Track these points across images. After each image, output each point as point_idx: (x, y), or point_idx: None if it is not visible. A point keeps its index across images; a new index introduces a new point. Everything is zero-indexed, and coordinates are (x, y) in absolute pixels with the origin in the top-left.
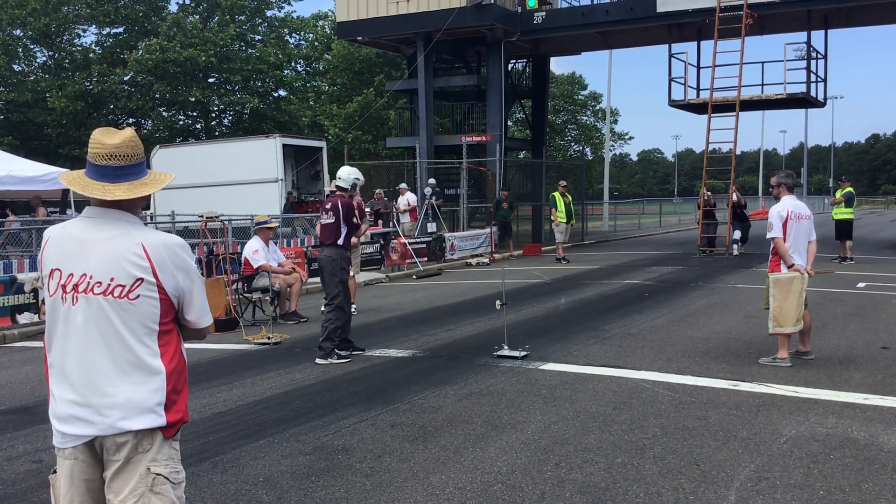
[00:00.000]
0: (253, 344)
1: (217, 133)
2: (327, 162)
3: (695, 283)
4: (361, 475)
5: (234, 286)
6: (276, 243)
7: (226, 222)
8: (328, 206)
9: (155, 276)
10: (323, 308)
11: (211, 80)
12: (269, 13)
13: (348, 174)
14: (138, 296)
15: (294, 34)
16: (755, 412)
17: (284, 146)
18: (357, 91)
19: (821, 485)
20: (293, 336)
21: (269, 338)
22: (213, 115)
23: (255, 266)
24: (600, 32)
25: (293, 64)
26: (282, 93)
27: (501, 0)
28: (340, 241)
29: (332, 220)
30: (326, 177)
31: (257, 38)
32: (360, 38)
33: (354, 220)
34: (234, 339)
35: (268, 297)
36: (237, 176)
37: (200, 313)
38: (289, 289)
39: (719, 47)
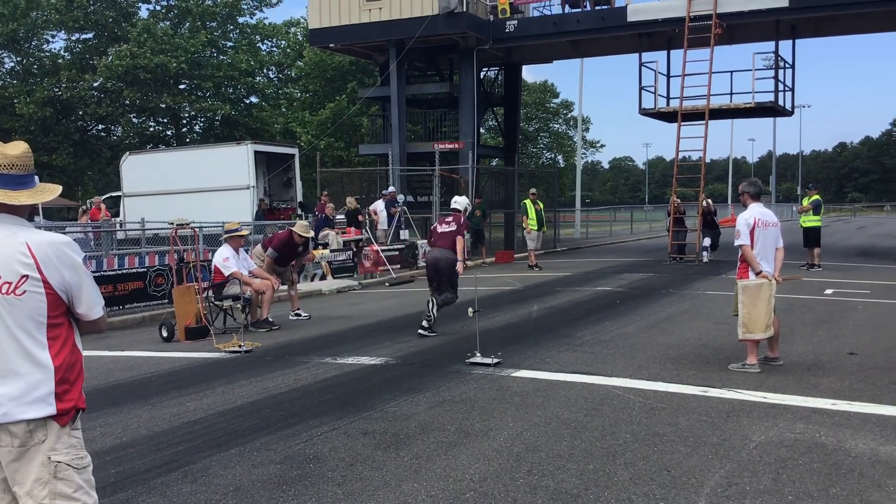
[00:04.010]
0: (224, 352)
1: (188, 140)
2: (299, 169)
3: (665, 290)
4: (333, 484)
5: (205, 294)
6: (247, 251)
7: (196, 229)
8: (450, 220)
9: (40, 272)
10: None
11: (182, 86)
12: (240, 20)
13: (465, 200)
14: (24, 291)
15: (266, 41)
16: (725, 418)
17: (256, 153)
18: (330, 98)
19: (789, 490)
20: (264, 344)
21: (240, 346)
22: (184, 121)
23: (226, 274)
24: (571, 41)
25: (265, 70)
26: (253, 99)
27: (474, 8)
28: (454, 247)
29: (453, 230)
30: (299, 184)
31: (229, 44)
32: (332, 45)
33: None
34: (205, 347)
35: (239, 305)
36: (208, 183)
37: (90, 306)
38: (260, 296)
39: (689, 56)
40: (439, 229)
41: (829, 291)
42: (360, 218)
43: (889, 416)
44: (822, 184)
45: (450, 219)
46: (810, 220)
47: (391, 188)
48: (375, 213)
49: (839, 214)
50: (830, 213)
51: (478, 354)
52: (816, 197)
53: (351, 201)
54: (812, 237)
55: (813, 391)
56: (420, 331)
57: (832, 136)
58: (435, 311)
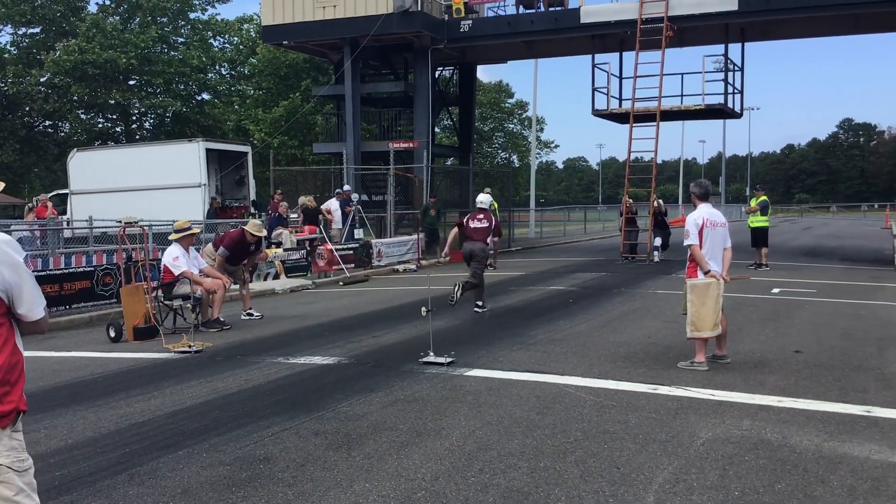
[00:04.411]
0: (173, 352)
1: (138, 136)
2: (252, 167)
3: (617, 289)
4: (283, 485)
5: (154, 293)
6: (198, 250)
7: (145, 228)
8: (482, 217)
9: None
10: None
11: (131, 82)
12: (192, 15)
13: (489, 198)
14: None
15: (218, 37)
16: (673, 415)
17: (208, 150)
18: (283, 96)
19: (736, 486)
20: (215, 344)
21: (189, 346)
22: (134, 118)
23: (175, 273)
24: (526, 42)
25: (217, 67)
26: (205, 96)
27: (428, 7)
28: (488, 240)
29: (487, 226)
30: (252, 182)
31: (180, 40)
32: (285, 43)
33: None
34: (154, 347)
35: (189, 305)
36: (158, 181)
37: (31, 307)
38: (211, 296)
39: (641, 58)
40: (472, 224)
41: (776, 290)
42: (321, 217)
43: (833, 412)
44: (770, 185)
45: (481, 216)
46: (758, 221)
47: (346, 187)
48: (329, 213)
49: (787, 215)
50: (778, 213)
51: (431, 354)
52: (764, 198)
53: (310, 200)
54: (760, 237)
55: (759, 388)
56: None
57: (780, 139)
58: (460, 292)
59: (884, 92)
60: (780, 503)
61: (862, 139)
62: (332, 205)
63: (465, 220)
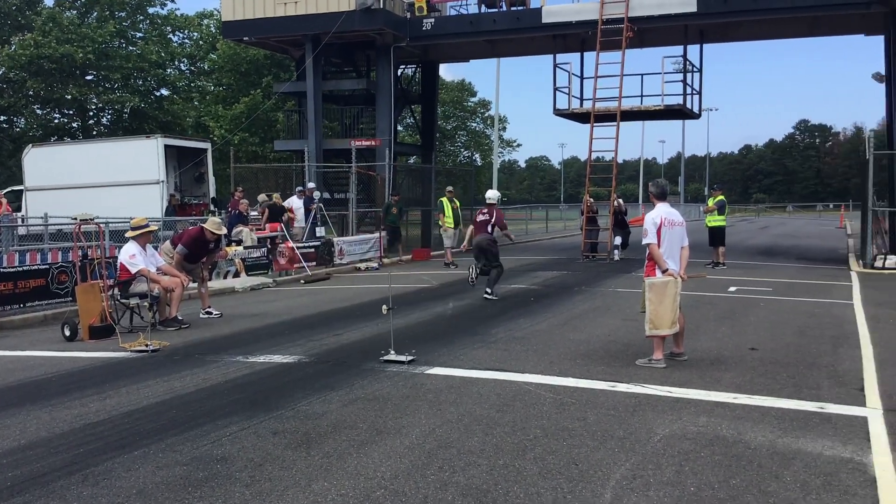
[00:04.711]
0: (130, 351)
1: (95, 132)
2: (212, 164)
3: (578, 287)
4: (241, 485)
5: (110, 292)
6: (156, 247)
7: (102, 225)
8: (485, 211)
9: None
10: (472, 277)
11: (89, 77)
12: (150, 10)
13: (496, 194)
14: None
15: (177, 32)
16: (631, 412)
17: (167, 147)
18: (244, 92)
19: (692, 482)
20: (173, 343)
21: (146, 345)
22: (91, 113)
23: (132, 271)
24: (488, 41)
25: (176, 63)
26: (164, 92)
27: (391, 5)
28: (490, 231)
29: (487, 219)
30: (212, 179)
31: (138, 35)
32: (246, 39)
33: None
34: (110, 346)
35: (146, 303)
36: (116, 177)
37: None
38: (169, 294)
39: (601, 59)
40: (478, 219)
41: (732, 289)
42: (285, 215)
43: (787, 409)
44: (728, 185)
45: (486, 210)
46: (715, 220)
47: (310, 184)
48: (292, 211)
49: (744, 214)
50: (735, 213)
51: (392, 352)
52: (721, 197)
53: (277, 197)
54: (717, 236)
55: (716, 385)
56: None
57: (738, 139)
58: (475, 274)
59: (839, 94)
60: (735, 498)
61: (818, 140)
62: (295, 203)
63: (473, 218)
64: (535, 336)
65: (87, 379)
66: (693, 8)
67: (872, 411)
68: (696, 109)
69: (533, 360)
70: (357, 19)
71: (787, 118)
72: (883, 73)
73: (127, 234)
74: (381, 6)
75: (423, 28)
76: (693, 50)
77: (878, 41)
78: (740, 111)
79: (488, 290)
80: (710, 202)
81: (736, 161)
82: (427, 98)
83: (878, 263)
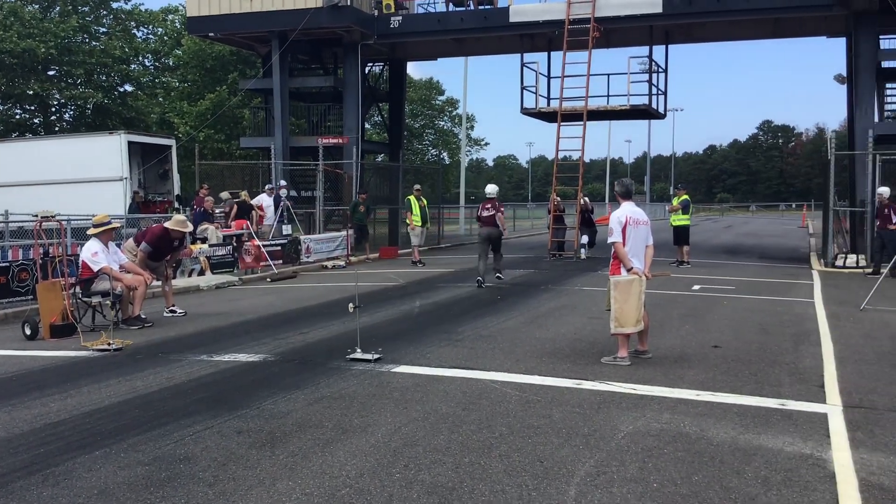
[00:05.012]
0: (91, 350)
1: (57, 128)
2: (177, 161)
3: (545, 286)
4: (204, 484)
5: (72, 290)
6: (118, 245)
7: (63, 222)
8: (489, 206)
9: None
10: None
11: (51, 72)
12: (114, 5)
13: (496, 188)
14: None
15: (142, 27)
16: (596, 409)
17: (130, 143)
18: (210, 88)
19: (655, 478)
20: (136, 342)
21: (109, 344)
22: (53, 109)
23: (94, 269)
24: (456, 39)
25: (141, 58)
26: (128, 88)
27: (359, 2)
28: (497, 224)
29: (493, 213)
30: (176, 176)
31: (102, 30)
32: (211, 35)
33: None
34: (71, 345)
35: (108, 302)
36: (78, 174)
37: None
38: (132, 292)
39: (568, 58)
40: (484, 214)
41: (696, 287)
42: (253, 212)
43: (748, 405)
44: (693, 185)
45: (489, 205)
46: (679, 219)
47: (282, 182)
48: (262, 208)
49: (708, 214)
50: (700, 212)
51: (358, 350)
52: (685, 197)
53: (245, 194)
54: (681, 235)
55: (679, 383)
56: (479, 278)
57: (703, 139)
58: (482, 269)
59: (802, 95)
60: (697, 494)
61: (781, 141)
62: (265, 200)
63: (478, 213)
64: (502, 334)
65: (48, 378)
66: (659, 9)
67: (832, 408)
68: (661, 110)
69: (499, 358)
70: (324, 16)
71: (751, 119)
72: (844, 74)
73: (89, 232)
74: (349, 3)
75: (391, 26)
76: (659, 51)
77: (840, 43)
78: (705, 112)
79: (499, 275)
80: (675, 201)
81: (700, 161)
82: (395, 96)
83: (839, 262)
